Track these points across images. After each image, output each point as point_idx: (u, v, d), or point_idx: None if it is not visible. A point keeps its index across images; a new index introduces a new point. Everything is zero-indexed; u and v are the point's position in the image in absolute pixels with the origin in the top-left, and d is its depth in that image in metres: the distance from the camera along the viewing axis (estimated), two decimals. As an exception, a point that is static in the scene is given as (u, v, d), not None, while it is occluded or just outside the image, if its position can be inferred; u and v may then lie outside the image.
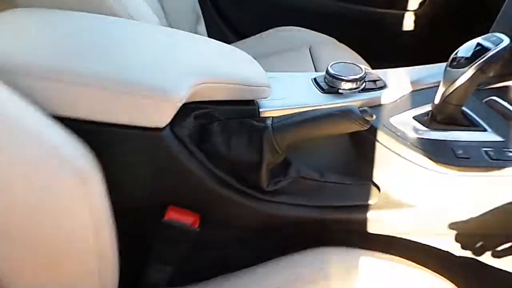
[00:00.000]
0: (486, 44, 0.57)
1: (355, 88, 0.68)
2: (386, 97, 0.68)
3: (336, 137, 0.65)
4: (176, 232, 0.57)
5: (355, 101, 0.67)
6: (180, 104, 0.51)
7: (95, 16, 0.58)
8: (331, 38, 1.21)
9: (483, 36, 0.59)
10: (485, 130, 0.62)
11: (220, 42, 0.67)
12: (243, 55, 0.65)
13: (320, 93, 0.68)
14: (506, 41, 0.56)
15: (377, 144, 0.63)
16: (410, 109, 0.67)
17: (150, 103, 0.48)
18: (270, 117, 0.60)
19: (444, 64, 0.72)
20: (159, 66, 0.52)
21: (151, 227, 0.56)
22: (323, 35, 1.22)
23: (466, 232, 0.61)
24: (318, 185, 0.63)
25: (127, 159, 0.52)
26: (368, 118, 0.53)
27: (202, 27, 1.28)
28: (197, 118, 0.56)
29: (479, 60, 0.56)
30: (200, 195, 0.58)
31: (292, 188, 0.62)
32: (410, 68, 0.75)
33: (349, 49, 1.16)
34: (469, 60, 0.57)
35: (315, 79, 0.71)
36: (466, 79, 0.57)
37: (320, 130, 0.55)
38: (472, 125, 0.63)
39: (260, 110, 0.62)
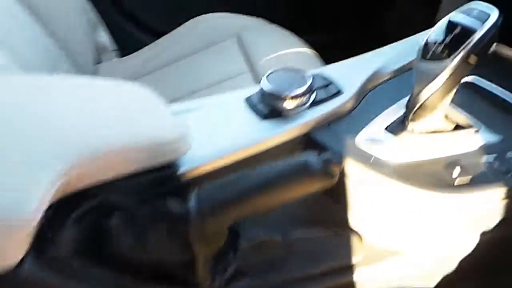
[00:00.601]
0: (467, 21, 0.41)
1: (302, 105, 0.50)
2: (344, 105, 0.52)
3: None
4: None
5: (306, 123, 0.50)
6: (34, 224, 0.31)
7: None
8: (260, 20, 1.02)
9: (459, 10, 0.43)
10: (477, 130, 0.47)
11: (101, 81, 0.46)
12: (139, 94, 0.45)
13: (258, 120, 0.50)
14: (494, 12, 0.40)
15: (345, 179, 0.47)
16: (378, 116, 0.51)
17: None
18: (193, 182, 0.42)
19: (412, 39, 0.57)
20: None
21: None
22: (250, 18, 1.03)
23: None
24: (282, 250, 0.47)
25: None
26: (334, 169, 0.36)
27: (103, 35, 1.04)
28: (82, 218, 0.37)
29: (465, 47, 0.40)
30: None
31: (247, 265, 0.45)
32: (367, 54, 0.58)
33: (284, 31, 0.97)
34: (448, 47, 0.41)
35: (249, 99, 0.53)
36: (447, 76, 0.42)
37: (269, 200, 0.37)
38: (460, 127, 0.48)
39: (180, 172, 0.43)
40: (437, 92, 0.43)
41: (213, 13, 1.04)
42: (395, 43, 0.59)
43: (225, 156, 0.45)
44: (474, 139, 0.47)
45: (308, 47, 0.91)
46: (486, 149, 0.45)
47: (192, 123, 0.48)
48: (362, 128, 0.50)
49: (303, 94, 0.49)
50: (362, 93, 0.53)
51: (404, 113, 0.49)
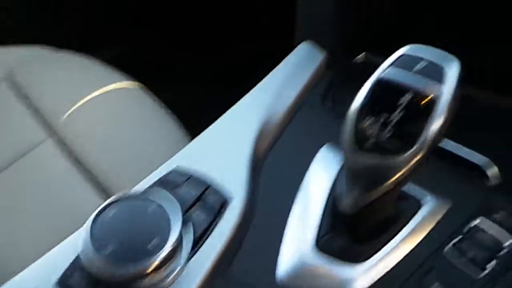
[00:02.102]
0: (415, 82, 0.24)
1: (175, 268, 0.27)
2: (240, 224, 0.31)
3: None
4: None
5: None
6: None
7: None
8: (39, 47, 0.67)
9: (388, 64, 0.25)
10: (421, 199, 0.33)
11: None
12: None
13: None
14: (451, 61, 0.24)
15: None
16: (288, 225, 0.32)
17: None
18: None
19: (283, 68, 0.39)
20: None
21: None
22: (24, 47, 0.67)
23: None
24: None
25: None
26: None
27: None
28: None
29: (431, 123, 0.23)
30: None
31: None
32: (229, 113, 0.37)
33: (80, 58, 0.66)
34: (400, 127, 0.24)
35: (64, 284, 0.27)
36: (409, 170, 0.25)
37: None
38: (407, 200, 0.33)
39: None
40: (389, 192, 0.26)
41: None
42: (260, 84, 0.39)
43: None
44: (424, 215, 0.32)
45: (124, 76, 0.63)
46: (446, 225, 0.32)
47: None
48: (276, 256, 0.30)
49: (173, 251, 0.26)
50: (252, 185, 0.33)
51: (331, 217, 0.31)
